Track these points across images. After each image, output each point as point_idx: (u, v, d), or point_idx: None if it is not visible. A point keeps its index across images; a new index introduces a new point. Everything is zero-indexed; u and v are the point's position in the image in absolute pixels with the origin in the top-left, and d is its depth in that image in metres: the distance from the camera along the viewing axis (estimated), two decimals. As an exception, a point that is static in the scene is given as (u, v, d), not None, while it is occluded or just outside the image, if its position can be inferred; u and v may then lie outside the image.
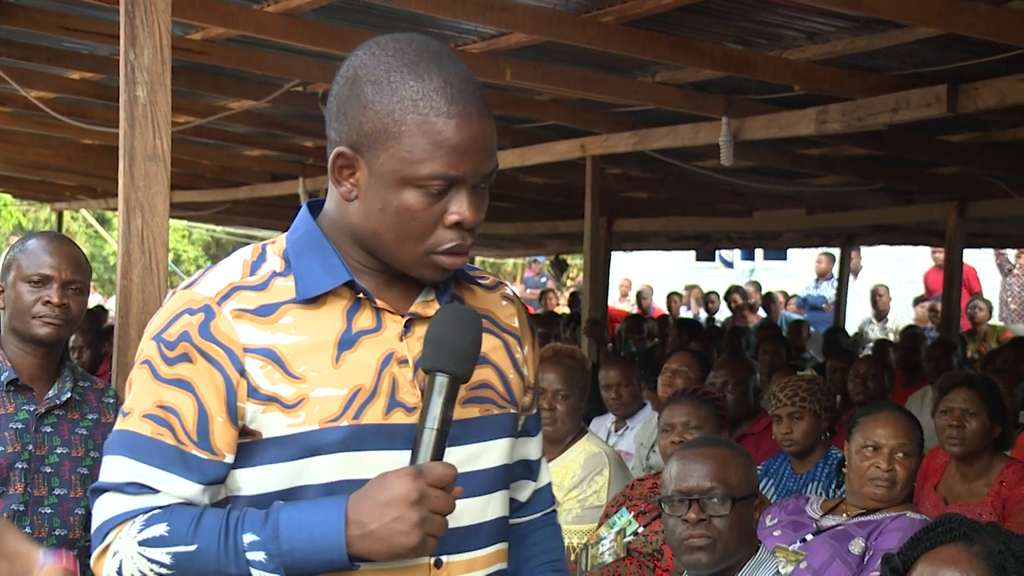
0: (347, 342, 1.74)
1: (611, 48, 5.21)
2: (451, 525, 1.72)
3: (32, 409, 2.90)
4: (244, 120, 8.20)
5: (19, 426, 2.88)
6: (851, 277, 13.62)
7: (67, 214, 19.88)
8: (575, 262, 19.69)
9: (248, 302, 1.73)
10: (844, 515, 3.62)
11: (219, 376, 1.70)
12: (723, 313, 15.64)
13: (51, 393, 2.93)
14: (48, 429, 2.91)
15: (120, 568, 1.67)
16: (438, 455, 1.67)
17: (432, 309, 1.78)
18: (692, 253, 21.13)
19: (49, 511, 2.90)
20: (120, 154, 2.96)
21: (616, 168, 9.10)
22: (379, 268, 1.78)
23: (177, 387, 1.71)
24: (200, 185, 12.62)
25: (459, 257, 1.74)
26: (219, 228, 24.45)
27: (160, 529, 1.66)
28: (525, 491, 2.02)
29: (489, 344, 1.83)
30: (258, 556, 1.63)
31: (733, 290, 15.65)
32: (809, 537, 3.58)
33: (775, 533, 3.65)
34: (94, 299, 18.97)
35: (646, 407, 5.90)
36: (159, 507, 1.68)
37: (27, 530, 2.85)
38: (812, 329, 12.45)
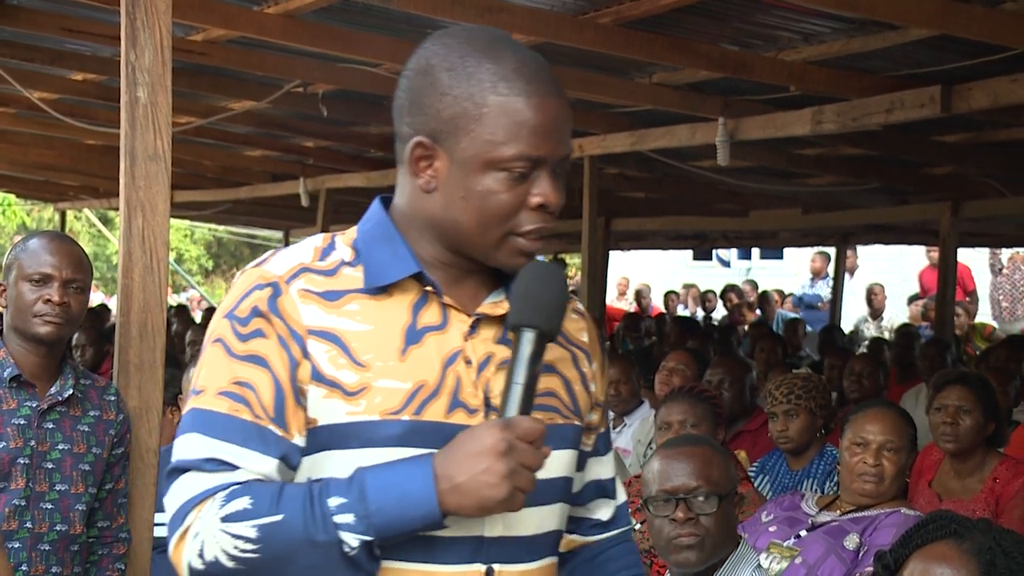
0: (413, 336, 1.70)
1: (608, 49, 5.20)
2: (509, 534, 1.70)
3: (35, 405, 2.90)
4: (245, 121, 8.19)
5: (21, 422, 2.88)
6: (847, 276, 13.62)
7: (70, 214, 19.84)
8: (573, 261, 19.69)
9: (315, 284, 1.70)
10: (838, 511, 3.62)
11: (285, 354, 1.66)
12: (720, 312, 15.65)
13: (53, 390, 2.93)
14: (50, 425, 2.91)
15: (202, 550, 1.60)
16: (525, 410, 1.63)
17: (501, 310, 1.73)
18: (689, 252, 21.13)
19: (50, 507, 2.90)
20: (121, 154, 2.96)
21: (614, 168, 9.10)
22: (450, 263, 1.74)
23: (252, 363, 1.66)
24: (202, 185, 12.61)
25: (539, 242, 1.71)
26: (221, 227, 24.45)
27: (243, 503, 1.59)
28: (605, 510, 1.97)
29: (556, 354, 1.79)
30: (346, 519, 1.57)
31: (729, 289, 15.65)
32: (804, 533, 3.58)
33: (771, 529, 3.65)
34: (97, 298, 18.97)
35: (644, 405, 5.89)
36: (238, 483, 1.62)
37: (28, 525, 2.85)
38: (808, 328, 12.46)
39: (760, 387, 5.93)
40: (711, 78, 5.92)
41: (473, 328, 1.73)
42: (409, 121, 1.71)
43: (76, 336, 6.76)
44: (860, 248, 15.05)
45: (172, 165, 3.05)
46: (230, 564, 1.59)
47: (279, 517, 1.58)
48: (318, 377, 1.66)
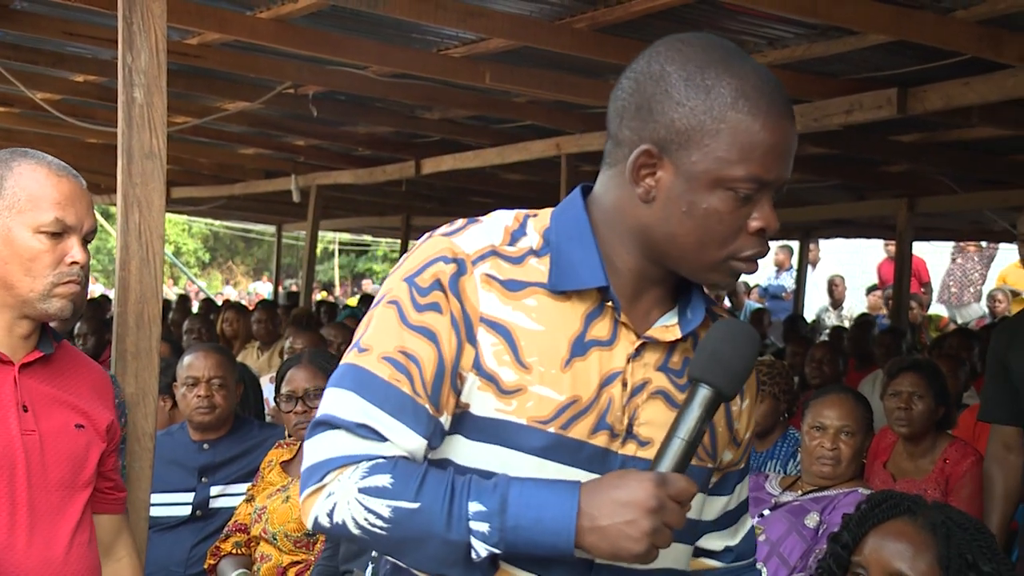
0: (579, 348, 1.59)
1: (584, 53, 5.20)
2: (620, 564, 1.59)
3: None
4: (239, 120, 8.16)
5: None
6: (809, 268, 13.67)
7: (73, 209, 19.72)
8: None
9: (500, 271, 1.60)
10: (800, 491, 3.64)
11: (455, 334, 1.58)
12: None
13: None
14: None
15: (332, 511, 1.54)
16: (682, 467, 1.52)
17: (671, 335, 1.63)
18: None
19: None
20: (118, 152, 2.94)
21: (589, 166, 9.08)
22: (640, 273, 1.63)
23: (422, 335, 1.57)
24: (198, 182, 12.59)
25: (755, 264, 1.61)
26: (217, 222, 24.39)
27: (384, 480, 1.51)
28: (717, 542, 1.84)
29: None
30: (482, 527, 1.48)
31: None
32: (767, 512, 3.59)
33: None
34: (98, 289, 18.91)
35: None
36: (384, 457, 1.54)
37: None
38: (773, 317, 12.50)
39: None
40: (681, 81, 5.91)
41: (638, 351, 1.63)
42: (634, 126, 1.58)
43: (78, 326, 6.74)
44: (822, 242, 15.10)
45: (169, 163, 3.03)
46: (356, 532, 1.54)
47: (416, 505, 1.51)
48: (478, 367, 1.58)
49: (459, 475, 1.55)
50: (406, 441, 1.56)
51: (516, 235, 1.64)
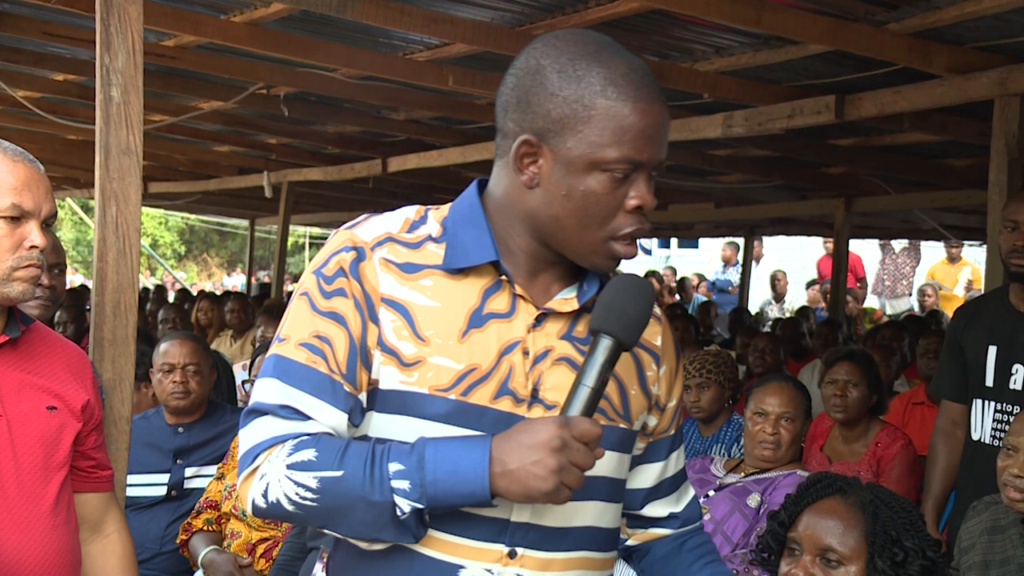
0: (477, 320, 1.62)
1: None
2: (535, 522, 1.62)
3: None
4: (213, 119, 8.10)
5: None
6: (753, 263, 13.75)
7: (54, 202, 19.54)
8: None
9: (397, 255, 1.63)
10: (743, 473, 3.66)
11: (359, 315, 1.61)
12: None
13: None
14: None
15: (266, 491, 1.56)
16: (588, 412, 1.54)
17: (569, 307, 1.65)
18: (614, 241, 21.19)
19: None
20: (96, 149, 2.91)
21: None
22: (534, 255, 1.66)
23: (332, 319, 1.60)
24: (174, 177, 12.49)
25: (634, 246, 1.62)
26: (192, 216, 24.19)
27: (308, 454, 1.54)
28: (662, 509, 1.86)
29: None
30: (403, 484, 1.50)
31: (651, 274, 15.72)
32: (712, 493, 3.61)
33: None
34: (77, 279, 18.71)
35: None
36: (307, 434, 1.56)
37: None
38: (720, 309, 12.57)
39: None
40: (634, 86, 5.93)
41: (538, 321, 1.65)
42: (516, 118, 1.62)
43: (58, 313, 6.67)
44: (765, 239, 15.23)
45: (146, 159, 3.02)
46: (290, 508, 1.55)
47: (340, 473, 1.52)
48: (381, 343, 1.61)
49: (379, 442, 1.57)
50: (327, 417, 1.58)
51: (416, 224, 1.68)
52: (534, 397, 1.63)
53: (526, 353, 1.63)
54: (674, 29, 4.99)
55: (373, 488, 1.51)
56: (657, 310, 1.80)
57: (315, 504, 1.54)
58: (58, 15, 5.36)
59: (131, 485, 3.11)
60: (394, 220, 1.68)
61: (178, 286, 18.85)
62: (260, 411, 1.60)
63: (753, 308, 13.12)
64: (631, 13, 4.61)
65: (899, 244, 14.20)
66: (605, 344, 1.56)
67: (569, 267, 1.69)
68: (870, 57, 4.80)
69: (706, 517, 3.51)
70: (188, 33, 5.49)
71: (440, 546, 1.60)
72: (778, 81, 5.72)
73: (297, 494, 1.54)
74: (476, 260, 1.63)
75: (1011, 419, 3.48)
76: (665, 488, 1.85)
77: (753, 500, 3.51)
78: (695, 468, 3.79)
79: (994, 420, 3.55)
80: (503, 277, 1.64)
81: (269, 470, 1.56)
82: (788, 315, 11.38)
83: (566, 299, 1.67)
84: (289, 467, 1.54)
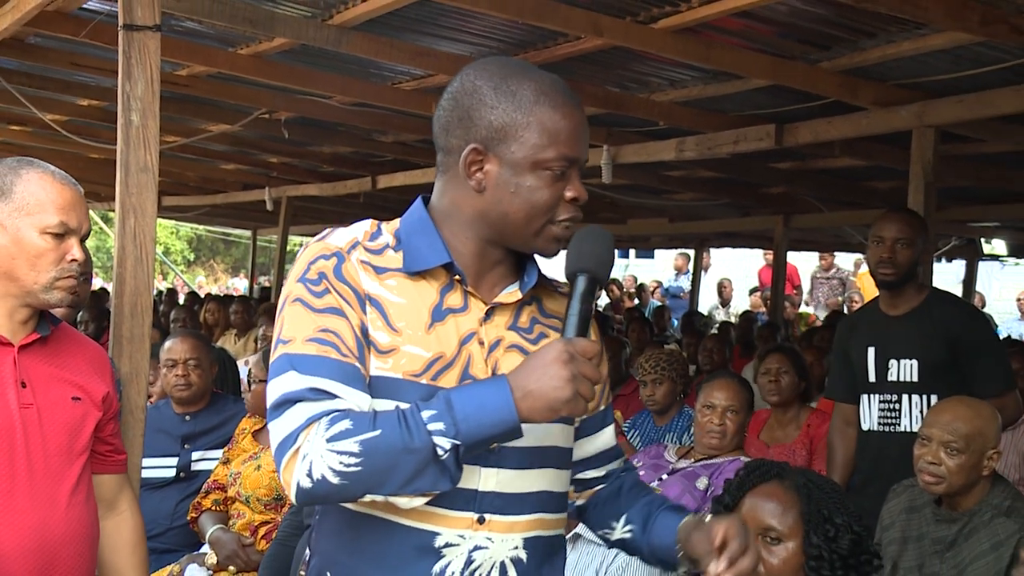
0: (438, 314, 1.63)
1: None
2: (500, 490, 1.63)
3: None
4: (221, 140, 8.07)
5: None
6: (703, 272, 13.80)
7: (76, 214, 19.35)
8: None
9: (368, 257, 1.64)
10: (693, 459, 3.67)
11: (353, 309, 1.60)
12: (603, 300, 15.74)
13: None
14: None
15: (310, 470, 1.50)
16: (583, 335, 1.56)
17: (513, 299, 1.69)
18: (579, 252, 21.14)
19: None
20: (117, 167, 2.91)
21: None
22: (480, 256, 1.68)
23: (331, 314, 1.59)
24: (185, 192, 12.42)
25: (571, 229, 1.66)
26: (201, 227, 24.04)
27: (345, 424, 1.50)
28: (600, 472, 1.89)
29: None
30: (438, 426, 1.48)
31: (611, 282, 15.73)
32: (665, 476, 3.62)
33: (640, 474, 3.69)
34: (97, 283, 18.56)
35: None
36: (339, 409, 1.53)
37: None
38: (673, 313, 12.59)
39: (633, 360, 6.00)
40: (597, 113, 5.95)
41: (488, 315, 1.67)
42: (459, 134, 1.64)
43: (80, 313, 6.63)
44: (713, 250, 15.25)
45: (161, 176, 3.01)
46: (335, 480, 1.49)
47: (378, 432, 1.49)
48: (365, 333, 1.60)
49: (400, 405, 1.55)
50: (351, 396, 1.55)
51: (375, 235, 1.69)
52: None
53: (481, 343, 1.65)
54: (633, 64, 5.01)
55: (412, 436, 1.48)
56: None
57: (360, 468, 1.49)
58: (84, 47, 5.33)
59: (145, 467, 3.09)
60: (356, 230, 1.69)
61: (187, 289, 18.75)
62: (289, 400, 1.54)
63: (702, 311, 13.15)
64: (595, 49, 4.64)
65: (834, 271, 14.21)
66: (582, 279, 1.59)
67: (510, 266, 1.72)
68: (806, 91, 4.85)
69: (659, 498, 3.52)
70: (200, 64, 5.50)
71: (417, 516, 1.60)
72: (725, 111, 5.76)
73: (341, 463, 1.49)
74: (433, 263, 1.65)
75: (893, 406, 3.58)
76: (602, 458, 1.89)
77: (702, 483, 3.53)
78: (650, 454, 3.80)
79: (879, 410, 3.65)
80: (456, 277, 1.66)
81: (310, 449, 1.50)
82: (734, 319, 11.43)
83: (510, 293, 1.70)
84: (329, 440, 1.49)
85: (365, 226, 1.70)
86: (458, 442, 1.49)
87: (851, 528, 2.12)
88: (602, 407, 1.89)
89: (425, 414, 1.50)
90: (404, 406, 1.53)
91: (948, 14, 3.63)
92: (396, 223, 1.72)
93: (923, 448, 2.82)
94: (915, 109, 4.83)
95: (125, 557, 2.41)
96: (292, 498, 1.54)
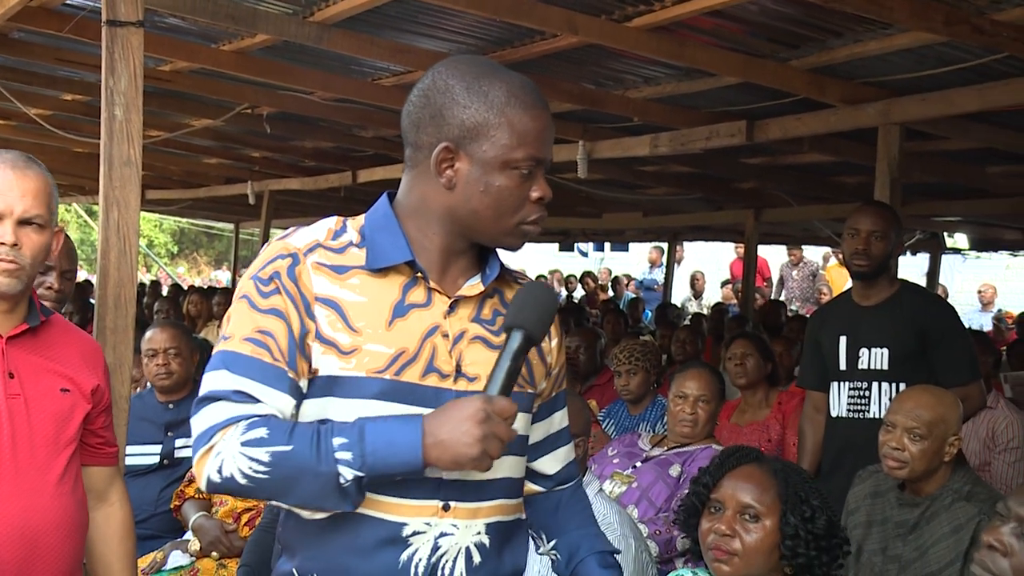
0: (400, 311, 1.64)
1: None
2: (464, 478, 1.64)
3: None
4: (204, 135, 8.03)
5: None
6: (676, 265, 13.84)
7: (61, 207, 19.18)
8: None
9: (327, 259, 1.64)
10: (666, 447, 3.68)
11: (296, 313, 1.61)
12: (579, 292, 15.78)
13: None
14: None
15: (221, 467, 1.54)
16: (506, 393, 1.57)
17: (475, 292, 1.69)
18: (556, 245, 21.18)
19: None
20: (101, 161, 2.89)
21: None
22: (444, 250, 1.68)
23: (272, 315, 1.60)
24: (168, 186, 12.34)
25: (539, 227, 1.67)
26: (184, 220, 23.91)
27: (261, 432, 1.52)
28: (551, 465, 1.88)
29: None
30: (346, 456, 1.50)
31: (587, 275, 15.80)
32: (639, 464, 3.63)
33: (614, 461, 3.70)
34: (81, 275, 18.42)
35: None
36: (259, 415, 1.56)
37: None
38: (647, 305, 12.63)
39: (608, 351, 6.02)
40: (573, 109, 5.96)
41: (452, 308, 1.67)
42: (431, 131, 1.63)
43: (66, 305, 6.58)
44: (686, 244, 15.29)
45: (144, 170, 2.99)
46: (243, 481, 1.54)
47: (290, 447, 1.52)
48: (319, 336, 1.61)
49: (322, 422, 1.58)
50: (274, 401, 1.58)
51: (338, 233, 1.69)
52: (458, 372, 1.65)
53: (445, 336, 1.66)
54: (608, 61, 5.02)
55: (320, 460, 1.51)
56: None
57: (267, 477, 1.53)
58: (68, 43, 5.29)
59: (129, 455, 3.08)
60: (319, 230, 1.69)
61: (170, 281, 18.63)
62: (213, 398, 1.58)
63: (675, 303, 13.19)
64: (571, 47, 4.64)
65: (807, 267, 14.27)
66: (517, 336, 1.59)
67: (473, 259, 1.72)
68: (775, 88, 4.87)
69: (633, 485, 3.54)
70: (183, 59, 5.46)
71: (384, 508, 1.61)
72: (697, 107, 5.77)
73: (251, 468, 1.53)
74: (394, 260, 1.65)
75: (863, 393, 3.61)
76: (550, 443, 1.88)
77: (675, 470, 3.54)
78: (625, 443, 3.81)
79: (848, 397, 3.69)
80: (419, 274, 1.66)
81: (224, 448, 1.54)
82: (706, 310, 11.48)
83: (472, 286, 1.70)
84: (243, 444, 1.53)
85: (330, 223, 1.71)
86: (361, 474, 1.52)
87: (826, 511, 2.15)
88: (555, 393, 1.88)
89: (336, 441, 1.52)
90: (324, 424, 1.55)
91: (913, 15, 3.65)
92: (362, 219, 1.72)
93: (888, 434, 2.85)
94: (881, 107, 4.86)
95: (114, 548, 2.40)
96: (202, 487, 1.58)
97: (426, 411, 1.59)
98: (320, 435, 1.53)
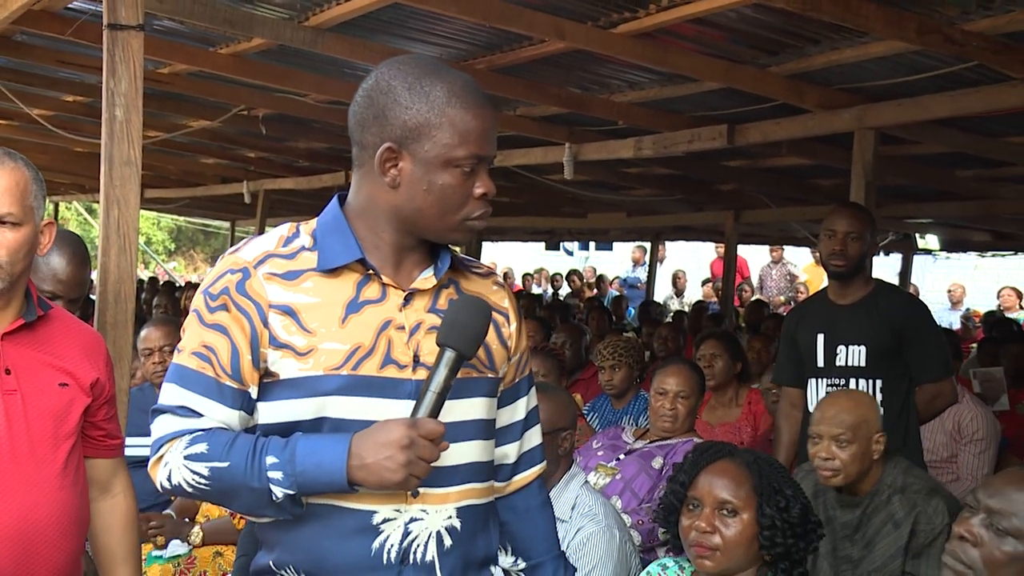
0: (354, 307, 1.63)
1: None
2: (433, 464, 1.59)
3: None
4: (201, 135, 8.01)
5: None
6: (658, 264, 13.86)
7: (62, 205, 19.23)
8: (455, 249, 19.55)
9: (278, 267, 1.64)
10: (648, 440, 3.69)
11: (247, 324, 1.61)
12: (565, 290, 15.78)
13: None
14: None
15: (169, 476, 1.60)
16: (434, 414, 1.56)
17: (429, 284, 1.68)
18: (542, 244, 21.16)
19: None
20: (102, 160, 2.88)
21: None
22: (396, 246, 1.67)
23: (216, 331, 1.62)
24: (166, 185, 12.30)
25: (484, 222, 1.66)
26: (181, 218, 23.82)
27: (201, 447, 1.57)
28: (513, 452, 1.84)
29: None
30: (276, 475, 1.54)
31: (572, 273, 15.80)
32: (622, 456, 3.63)
33: (599, 454, 3.70)
34: (82, 271, 18.30)
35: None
36: (202, 429, 1.60)
37: None
38: (630, 303, 12.64)
39: (592, 347, 6.02)
40: (560, 112, 5.97)
41: (407, 300, 1.66)
42: (375, 131, 1.63)
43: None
44: (668, 243, 15.31)
45: (143, 169, 2.98)
46: (189, 490, 1.60)
47: (226, 464, 1.56)
48: (274, 342, 1.61)
49: (263, 436, 1.59)
50: (217, 413, 1.61)
51: (290, 239, 1.68)
52: (416, 362, 1.64)
53: (401, 328, 1.64)
54: (594, 66, 5.02)
55: (253, 477, 1.55)
56: (500, 279, 1.84)
57: (208, 488, 1.58)
58: (70, 45, 5.26)
59: (128, 446, 3.05)
60: (270, 239, 1.69)
61: (167, 278, 18.56)
62: (162, 411, 1.64)
63: (657, 301, 13.20)
64: (558, 52, 4.64)
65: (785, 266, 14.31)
66: (449, 356, 1.57)
67: (425, 253, 1.71)
68: (755, 94, 4.88)
69: (617, 476, 3.54)
70: (182, 62, 5.45)
71: (353, 498, 1.61)
72: (680, 112, 5.79)
73: (193, 479, 1.58)
74: (344, 260, 1.64)
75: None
76: (514, 430, 1.84)
77: (657, 463, 3.55)
78: (609, 436, 3.82)
79: (827, 393, 3.67)
80: (370, 271, 1.65)
81: (171, 459, 1.60)
82: (687, 308, 11.50)
83: (426, 279, 1.69)
84: (186, 458, 1.58)
85: (283, 230, 1.70)
86: (291, 492, 1.55)
87: (799, 498, 2.15)
88: (518, 379, 1.85)
89: (268, 460, 1.55)
90: (263, 439, 1.57)
91: (887, 24, 3.67)
92: (314, 223, 1.71)
93: (816, 446, 2.81)
94: (856, 112, 4.88)
95: (117, 539, 2.38)
96: (159, 490, 1.65)
97: (386, 402, 1.60)
98: (256, 452, 1.56)
